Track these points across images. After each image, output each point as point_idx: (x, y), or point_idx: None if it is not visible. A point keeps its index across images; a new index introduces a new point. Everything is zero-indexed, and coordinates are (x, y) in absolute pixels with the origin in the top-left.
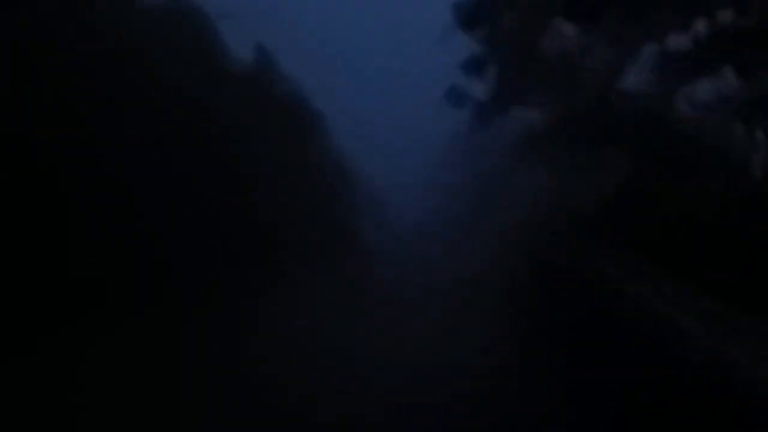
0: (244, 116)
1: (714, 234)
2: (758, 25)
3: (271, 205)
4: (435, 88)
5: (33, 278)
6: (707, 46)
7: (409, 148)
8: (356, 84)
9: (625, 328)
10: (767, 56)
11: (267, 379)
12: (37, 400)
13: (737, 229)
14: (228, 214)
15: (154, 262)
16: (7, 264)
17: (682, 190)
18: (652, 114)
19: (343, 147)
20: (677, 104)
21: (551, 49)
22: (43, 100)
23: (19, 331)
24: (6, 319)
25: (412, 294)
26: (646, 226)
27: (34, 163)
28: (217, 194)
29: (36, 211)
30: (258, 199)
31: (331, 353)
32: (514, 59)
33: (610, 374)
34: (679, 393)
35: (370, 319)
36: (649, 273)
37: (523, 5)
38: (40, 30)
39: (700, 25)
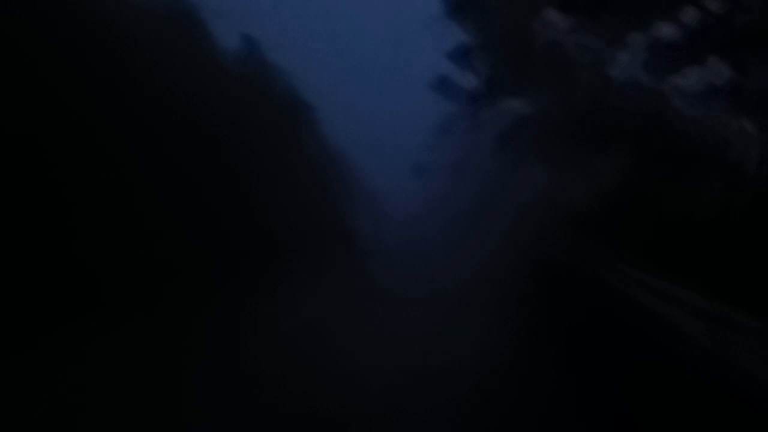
0: (235, 109)
1: (709, 231)
2: (751, 18)
3: (262, 200)
4: (425, 78)
5: (34, 279)
6: (698, 37)
7: (401, 139)
8: (347, 76)
9: (622, 327)
10: (760, 48)
11: (263, 376)
12: (37, 399)
13: (733, 226)
14: (219, 208)
15: (143, 254)
16: (7, 265)
17: (676, 186)
18: (644, 106)
19: (334, 139)
20: (668, 96)
21: (542, 38)
22: (33, 94)
23: (20, 332)
24: (7, 320)
25: (408, 290)
26: (641, 223)
27: (28, 162)
28: (207, 188)
29: (32, 212)
30: (249, 193)
31: (327, 350)
32: (505, 49)
33: (609, 373)
34: (677, 391)
35: (363, 315)
36: (645, 272)
37: None
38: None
39: (691, 16)
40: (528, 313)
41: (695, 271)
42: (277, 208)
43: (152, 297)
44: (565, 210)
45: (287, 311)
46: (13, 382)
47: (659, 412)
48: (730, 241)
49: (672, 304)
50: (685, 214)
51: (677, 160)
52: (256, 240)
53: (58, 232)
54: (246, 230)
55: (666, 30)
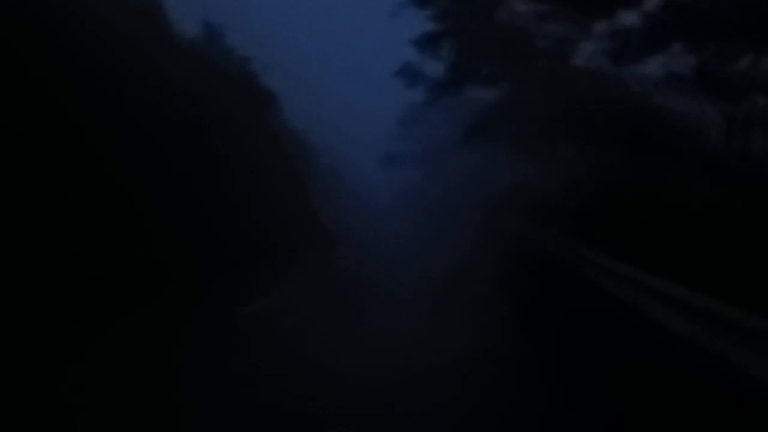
0: (195, 93)
1: (681, 221)
2: (715, 5)
3: (233, 192)
4: (391, 68)
5: (30, 279)
6: (662, 25)
7: (369, 129)
8: (314, 66)
9: (604, 318)
10: (723, 35)
11: (253, 376)
12: (35, 399)
13: (706, 215)
14: (182, 193)
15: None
16: (4, 265)
17: (645, 174)
18: (609, 94)
19: (303, 130)
20: (632, 83)
21: (508, 27)
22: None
23: (19, 332)
24: (5, 320)
25: (387, 283)
26: (610, 212)
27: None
28: (168, 174)
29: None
30: (220, 186)
31: (314, 346)
32: (471, 37)
33: (597, 372)
34: (669, 389)
35: (345, 309)
36: (619, 262)
37: None
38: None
39: (655, 4)
40: (508, 308)
41: (672, 261)
42: (246, 199)
43: (139, 294)
44: (535, 200)
45: (272, 308)
46: (11, 382)
47: (650, 410)
48: (708, 232)
49: (651, 296)
50: (655, 202)
51: (643, 147)
52: (230, 234)
53: (47, 232)
54: (221, 225)
55: (630, 18)
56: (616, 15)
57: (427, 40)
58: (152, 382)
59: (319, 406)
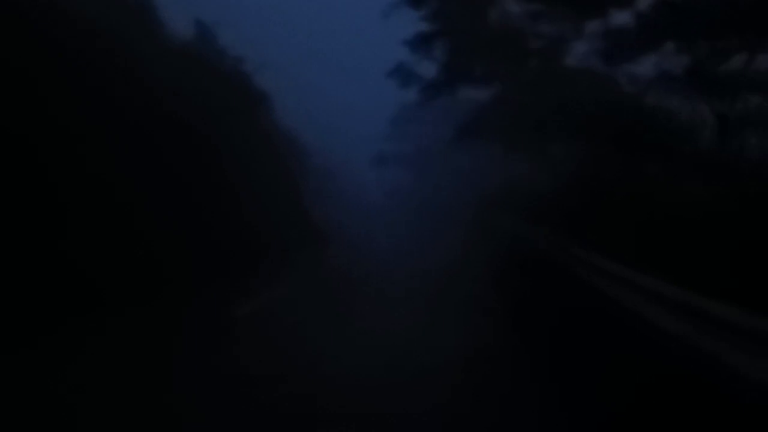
0: (187, 93)
1: (673, 219)
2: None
3: (218, 187)
4: (384, 68)
5: (25, 278)
6: (654, 24)
7: (358, 123)
8: (304, 60)
9: (598, 321)
10: (712, 31)
11: (248, 375)
12: (30, 397)
13: (698, 213)
14: (174, 193)
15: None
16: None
17: (637, 172)
18: (601, 93)
19: (295, 129)
20: (625, 83)
21: (499, 24)
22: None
23: (14, 331)
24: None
25: (379, 282)
26: (602, 211)
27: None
28: (160, 174)
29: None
30: (203, 180)
31: (308, 346)
32: (462, 34)
33: (589, 371)
34: (661, 388)
35: (338, 307)
36: (611, 260)
37: None
38: None
39: (647, 3)
40: (500, 307)
41: (664, 260)
42: (238, 199)
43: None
44: (528, 198)
45: (265, 307)
46: (8, 382)
47: (642, 409)
48: (700, 231)
49: (643, 295)
50: (647, 201)
51: (635, 145)
52: (222, 234)
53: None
54: (213, 225)
55: (622, 17)
56: (609, 15)
57: (420, 41)
58: (147, 383)
59: (312, 405)
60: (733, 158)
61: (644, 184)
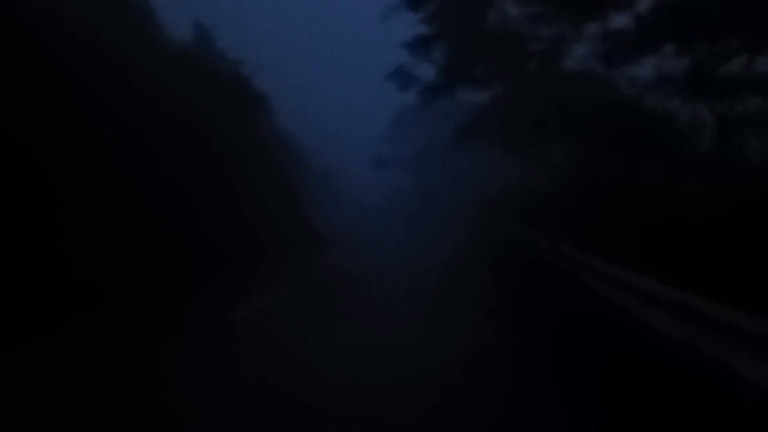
0: (187, 95)
1: (672, 219)
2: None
3: (217, 189)
4: (383, 67)
5: (24, 280)
6: (653, 26)
7: (358, 126)
8: (305, 62)
9: (597, 322)
10: (712, 33)
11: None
12: (28, 399)
13: (697, 214)
14: (174, 195)
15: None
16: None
17: (636, 173)
18: (600, 95)
19: (294, 131)
20: (624, 85)
21: (498, 27)
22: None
23: (12, 331)
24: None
25: (371, 278)
26: (603, 212)
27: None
28: (160, 177)
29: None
30: (203, 182)
31: (306, 347)
32: (461, 37)
33: (589, 372)
34: (659, 390)
35: (326, 305)
36: (611, 262)
37: None
38: None
39: (647, 6)
40: (500, 308)
41: (664, 261)
42: (238, 200)
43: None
44: (527, 200)
45: (265, 308)
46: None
47: (641, 410)
48: (700, 232)
49: (642, 297)
50: (646, 201)
51: (635, 146)
52: (222, 235)
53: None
54: (213, 226)
55: (622, 20)
56: (608, 17)
57: (419, 43)
58: (147, 383)
59: (312, 406)
60: (733, 159)
61: (643, 185)
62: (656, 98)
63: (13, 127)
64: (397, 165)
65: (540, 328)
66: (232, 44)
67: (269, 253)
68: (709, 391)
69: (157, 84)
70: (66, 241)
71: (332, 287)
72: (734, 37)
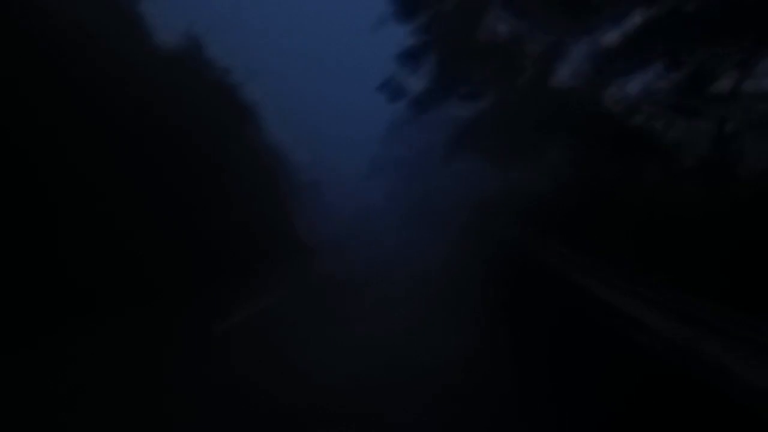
0: (181, 103)
1: (665, 223)
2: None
3: (205, 196)
4: (373, 77)
5: (19, 284)
6: (644, 41)
7: (348, 135)
8: (294, 71)
9: (594, 324)
10: (707, 38)
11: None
12: (24, 400)
13: (689, 218)
14: (168, 201)
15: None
16: None
17: (627, 180)
18: (590, 109)
19: (278, 137)
20: (614, 98)
21: (488, 38)
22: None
23: (7, 334)
24: None
25: (368, 281)
26: (595, 218)
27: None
28: (154, 184)
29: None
30: (189, 191)
31: (300, 352)
32: (452, 48)
33: (587, 373)
34: (657, 392)
35: (322, 309)
36: (605, 266)
37: None
38: None
39: (637, 20)
40: (497, 310)
41: (662, 262)
42: (230, 207)
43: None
44: (524, 202)
45: (260, 313)
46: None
47: (639, 412)
48: (699, 232)
49: (639, 299)
50: (644, 202)
51: (626, 155)
52: (218, 242)
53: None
54: (207, 232)
55: (612, 35)
56: (599, 31)
57: (408, 56)
58: (142, 386)
59: (311, 406)
60: (732, 160)
61: (640, 187)
62: (648, 112)
63: (6, 132)
64: (397, 165)
65: (536, 330)
66: (226, 49)
67: (265, 258)
68: (710, 394)
69: (147, 89)
70: (63, 246)
71: (329, 291)
72: (726, 50)
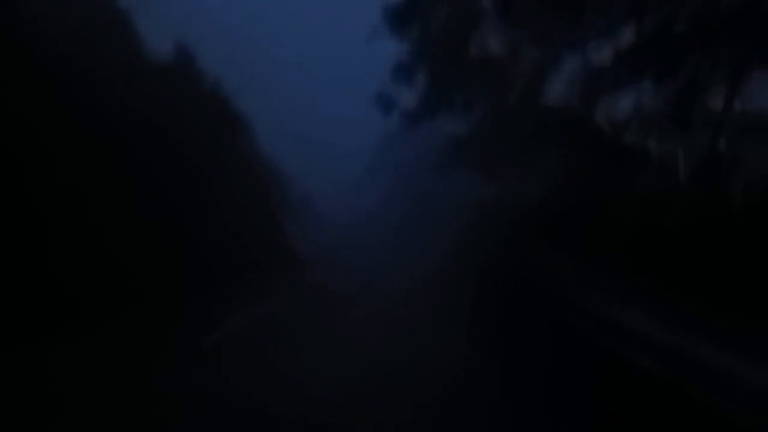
0: (166, 113)
1: (653, 231)
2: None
3: (197, 206)
4: (366, 88)
5: (13, 289)
6: (633, 59)
7: (339, 149)
8: (286, 84)
9: (587, 329)
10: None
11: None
12: (22, 401)
13: (677, 225)
14: (159, 211)
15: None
16: None
17: (617, 189)
18: (579, 125)
19: (270, 147)
20: (599, 114)
21: (480, 52)
22: None
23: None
24: None
25: (360, 289)
26: (586, 227)
27: None
28: (146, 194)
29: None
30: (181, 201)
31: (289, 357)
32: (444, 62)
33: (579, 379)
34: (650, 398)
35: (312, 319)
36: (591, 274)
37: (454, 5)
38: None
39: (628, 38)
40: (488, 317)
41: (655, 267)
42: (222, 217)
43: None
44: (517, 209)
45: (249, 324)
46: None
47: (633, 417)
48: (692, 237)
49: (633, 306)
50: (637, 207)
51: (615, 166)
52: (208, 251)
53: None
54: (198, 242)
55: (602, 53)
56: (589, 48)
57: (400, 69)
58: (132, 394)
59: (301, 416)
60: (727, 164)
61: (632, 197)
62: (637, 130)
63: (1, 142)
64: (390, 174)
65: (530, 336)
66: (219, 60)
67: (256, 268)
68: (706, 398)
69: (139, 99)
70: (56, 252)
71: (318, 302)
72: (715, 69)
